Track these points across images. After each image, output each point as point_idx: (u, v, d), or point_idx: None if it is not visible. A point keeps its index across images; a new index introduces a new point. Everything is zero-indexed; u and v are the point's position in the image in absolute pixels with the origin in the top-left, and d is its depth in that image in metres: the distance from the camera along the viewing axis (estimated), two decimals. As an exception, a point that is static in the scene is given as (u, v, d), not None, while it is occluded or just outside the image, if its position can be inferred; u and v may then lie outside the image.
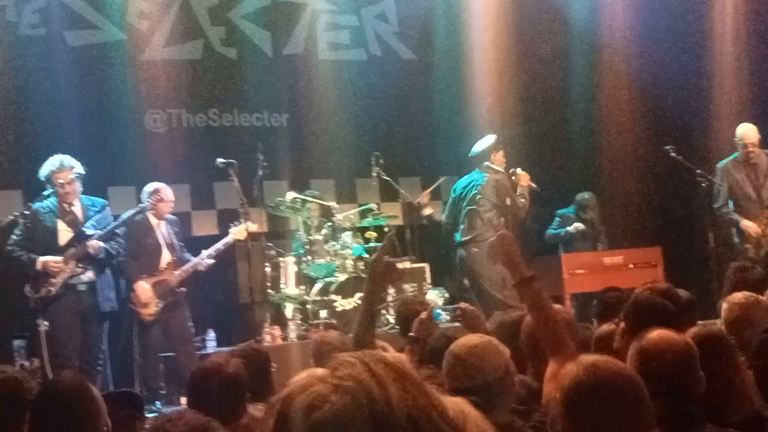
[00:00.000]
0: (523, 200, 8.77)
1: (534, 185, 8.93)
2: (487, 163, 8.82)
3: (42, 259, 7.38)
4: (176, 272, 7.93)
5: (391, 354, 3.07)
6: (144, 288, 7.80)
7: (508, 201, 8.67)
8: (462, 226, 8.83)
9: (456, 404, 1.34)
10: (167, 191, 8.06)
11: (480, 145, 8.97)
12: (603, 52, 10.98)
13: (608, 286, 7.30)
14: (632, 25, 10.80)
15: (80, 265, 7.48)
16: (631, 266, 8.56)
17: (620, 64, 10.90)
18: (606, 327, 4.39)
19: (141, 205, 7.90)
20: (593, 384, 2.50)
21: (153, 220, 7.99)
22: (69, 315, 7.42)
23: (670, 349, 2.96)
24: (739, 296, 4.61)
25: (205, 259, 8.06)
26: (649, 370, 2.85)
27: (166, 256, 7.99)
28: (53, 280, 7.36)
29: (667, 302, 3.79)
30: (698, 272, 9.23)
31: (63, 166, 7.48)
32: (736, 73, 10.38)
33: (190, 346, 7.98)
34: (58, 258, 7.40)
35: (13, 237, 7.43)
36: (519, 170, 8.94)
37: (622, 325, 3.77)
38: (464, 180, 8.99)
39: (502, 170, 8.85)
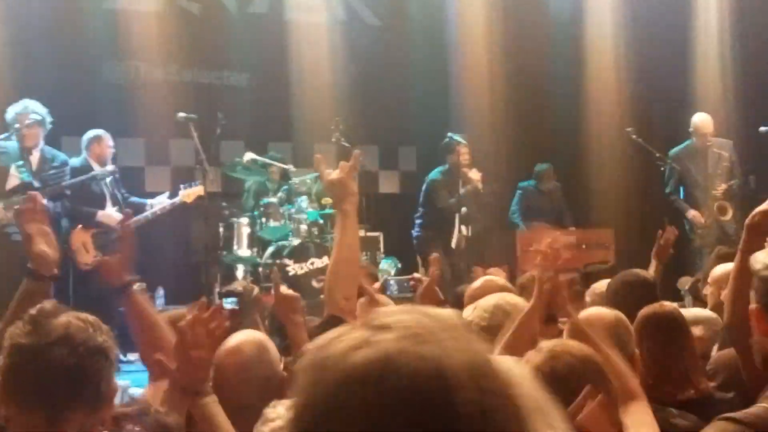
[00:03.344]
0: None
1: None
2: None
3: None
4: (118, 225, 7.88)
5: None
6: (81, 234, 7.73)
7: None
8: None
9: (504, 361, 1.26)
10: (107, 137, 8.06)
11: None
12: (585, 28, 10.95)
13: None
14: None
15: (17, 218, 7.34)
16: (583, 246, 8.60)
17: (604, 42, 10.90)
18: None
19: (93, 172, 7.82)
20: (552, 370, 2.48)
21: (96, 167, 7.91)
22: (2, 263, 7.30)
23: (599, 323, 2.97)
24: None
25: (150, 216, 7.99)
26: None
27: (109, 207, 7.95)
28: None
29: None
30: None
31: (26, 110, 7.48)
32: (720, 62, 10.50)
33: None
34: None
35: None
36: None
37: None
38: None
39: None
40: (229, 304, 5.77)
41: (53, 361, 2.05)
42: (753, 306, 2.30)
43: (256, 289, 5.76)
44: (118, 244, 3.08)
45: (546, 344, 2.60)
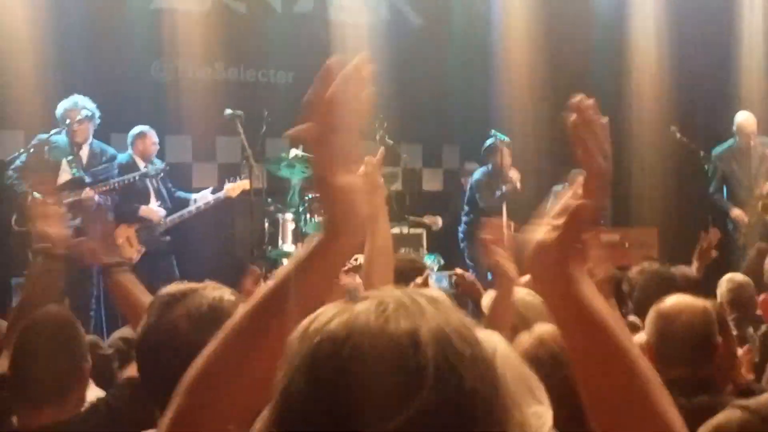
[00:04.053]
0: None
1: None
2: None
3: (35, 196, 7.39)
4: (164, 220, 8.05)
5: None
6: (125, 229, 7.86)
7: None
8: None
9: (487, 335, 1.28)
10: (151, 134, 8.20)
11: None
12: (628, 27, 10.92)
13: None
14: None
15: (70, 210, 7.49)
16: (626, 245, 8.58)
17: (648, 40, 10.85)
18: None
19: (145, 170, 7.97)
20: (536, 356, 2.51)
21: (140, 163, 8.05)
22: None
23: (688, 311, 2.97)
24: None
25: (193, 210, 8.13)
26: (667, 331, 2.85)
27: (153, 203, 8.09)
28: None
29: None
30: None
31: (76, 106, 7.62)
32: (764, 60, 10.42)
33: None
34: (50, 200, 7.40)
35: (17, 163, 7.47)
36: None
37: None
38: None
39: None
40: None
41: (162, 356, 2.07)
42: (765, 296, 2.34)
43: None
44: (88, 225, 3.17)
45: (539, 329, 2.61)
